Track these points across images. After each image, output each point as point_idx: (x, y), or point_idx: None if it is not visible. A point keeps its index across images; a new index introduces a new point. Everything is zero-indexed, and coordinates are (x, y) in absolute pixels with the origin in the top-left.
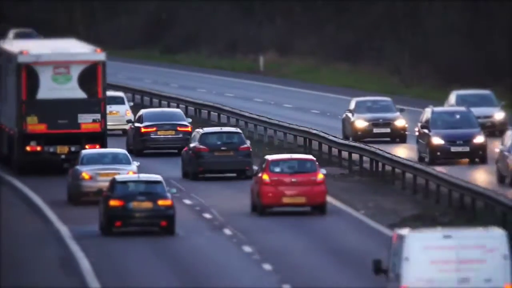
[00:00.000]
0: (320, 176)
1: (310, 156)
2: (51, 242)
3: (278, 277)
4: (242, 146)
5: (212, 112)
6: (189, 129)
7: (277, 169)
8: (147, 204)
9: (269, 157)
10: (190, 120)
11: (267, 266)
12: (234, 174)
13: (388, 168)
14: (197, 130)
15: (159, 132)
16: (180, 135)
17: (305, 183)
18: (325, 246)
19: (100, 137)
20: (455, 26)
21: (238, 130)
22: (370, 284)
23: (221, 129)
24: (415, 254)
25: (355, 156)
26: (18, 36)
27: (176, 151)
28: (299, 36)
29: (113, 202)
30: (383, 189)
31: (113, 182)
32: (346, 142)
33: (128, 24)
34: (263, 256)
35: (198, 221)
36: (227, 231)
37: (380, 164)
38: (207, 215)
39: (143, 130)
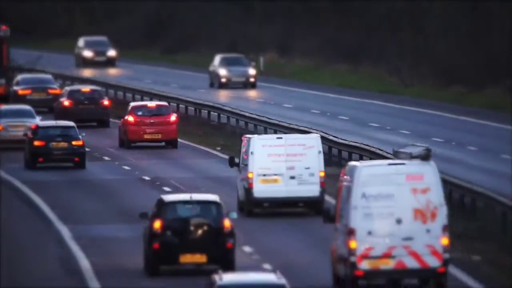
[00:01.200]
0: (173, 118)
1: (164, 103)
2: (51, 242)
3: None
4: (102, 101)
5: (212, 112)
6: (58, 91)
7: (140, 113)
8: (63, 144)
9: (133, 104)
10: (58, 84)
11: (267, 266)
12: (95, 123)
13: None
14: (66, 88)
15: (33, 94)
16: (50, 97)
17: (161, 123)
18: (325, 246)
19: (4, 98)
20: (455, 26)
21: (99, 88)
22: None
23: (84, 87)
24: (257, 150)
25: (355, 156)
26: (224, 61)
27: (47, 109)
28: (299, 36)
29: (36, 143)
30: None
31: (37, 127)
32: (346, 142)
33: (128, 24)
34: (263, 256)
35: None
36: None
37: None
38: None
39: (20, 92)
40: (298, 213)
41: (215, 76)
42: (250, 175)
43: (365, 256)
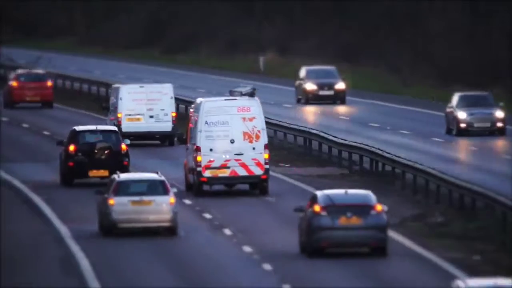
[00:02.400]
0: (49, 84)
1: (42, 71)
2: (51, 242)
3: (278, 277)
4: None
5: None
6: None
7: (22, 79)
8: None
9: (17, 72)
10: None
11: (267, 266)
12: None
13: (388, 168)
14: None
15: None
16: None
17: (39, 88)
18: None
19: None
20: (455, 26)
21: None
22: (370, 283)
23: None
24: (125, 96)
25: (355, 156)
26: (465, 101)
27: None
28: (299, 36)
29: None
30: (383, 189)
31: None
32: (346, 142)
33: (128, 24)
34: (263, 256)
35: (198, 221)
36: (227, 231)
37: (380, 164)
38: (207, 215)
39: None
40: (156, 144)
41: (452, 119)
42: (119, 115)
43: (207, 167)
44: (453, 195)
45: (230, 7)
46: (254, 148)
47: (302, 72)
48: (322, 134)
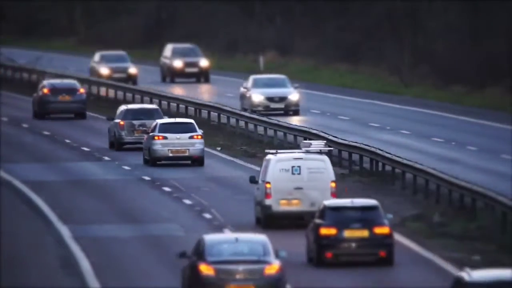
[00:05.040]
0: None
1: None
2: (51, 242)
3: None
4: None
5: (212, 112)
6: None
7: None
8: None
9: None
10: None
11: None
12: None
13: (388, 168)
14: None
15: None
16: None
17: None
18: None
19: None
20: (455, 26)
21: None
22: (370, 284)
23: None
24: None
25: (355, 156)
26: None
27: None
28: (299, 36)
29: None
30: (383, 189)
31: None
32: (346, 142)
33: (128, 24)
34: None
35: (198, 221)
36: (227, 231)
37: (380, 164)
38: (207, 215)
39: None
40: None
41: None
42: None
43: None
44: (453, 195)
45: (230, 7)
46: None
47: None
48: (322, 134)
